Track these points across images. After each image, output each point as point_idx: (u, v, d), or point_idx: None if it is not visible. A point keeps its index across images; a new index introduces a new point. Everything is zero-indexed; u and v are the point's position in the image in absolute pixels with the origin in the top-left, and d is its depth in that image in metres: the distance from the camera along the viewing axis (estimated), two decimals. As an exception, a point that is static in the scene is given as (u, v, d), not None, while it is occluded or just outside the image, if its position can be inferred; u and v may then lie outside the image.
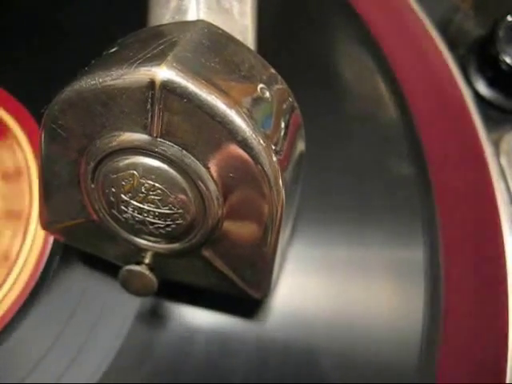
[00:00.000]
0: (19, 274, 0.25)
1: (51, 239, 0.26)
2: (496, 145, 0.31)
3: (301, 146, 0.21)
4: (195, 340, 0.25)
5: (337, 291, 0.27)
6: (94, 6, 0.33)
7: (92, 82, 0.17)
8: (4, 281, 0.25)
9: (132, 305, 0.25)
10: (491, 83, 0.33)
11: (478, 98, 0.32)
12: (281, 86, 0.20)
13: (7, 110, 0.29)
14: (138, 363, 0.24)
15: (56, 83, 0.18)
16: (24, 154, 0.28)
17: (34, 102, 0.29)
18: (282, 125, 0.19)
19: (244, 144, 0.17)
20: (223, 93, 0.17)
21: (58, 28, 0.32)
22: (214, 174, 0.18)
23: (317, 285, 0.27)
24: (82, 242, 0.23)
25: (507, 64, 0.31)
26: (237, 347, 0.25)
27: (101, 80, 0.17)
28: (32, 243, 0.26)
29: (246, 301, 0.23)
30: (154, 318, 0.25)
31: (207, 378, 0.24)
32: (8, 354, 0.24)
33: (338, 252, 0.27)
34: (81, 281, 0.26)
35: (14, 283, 0.25)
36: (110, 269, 0.25)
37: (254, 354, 0.25)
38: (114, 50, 0.19)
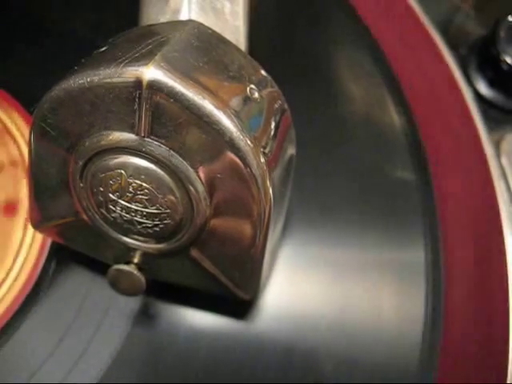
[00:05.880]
0: (17, 274, 0.25)
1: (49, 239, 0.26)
2: (497, 145, 0.30)
3: (290, 147, 0.21)
4: (193, 341, 0.25)
5: (336, 292, 0.27)
6: (93, 6, 0.33)
7: (80, 81, 0.17)
8: (3, 281, 0.25)
9: (130, 306, 0.25)
10: (492, 83, 0.32)
11: (479, 98, 0.32)
12: (271, 87, 0.20)
13: (4, 108, 0.29)
14: (137, 364, 0.25)
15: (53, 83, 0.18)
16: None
17: (31, 100, 0.29)
18: (272, 126, 0.19)
19: (231, 144, 0.17)
20: (211, 93, 0.17)
21: (57, 27, 0.33)
22: (202, 175, 0.18)
23: (315, 285, 0.27)
24: (73, 241, 0.23)
25: (508, 64, 0.31)
26: (232, 347, 0.25)
27: (89, 79, 0.17)
28: (31, 242, 0.26)
29: (240, 301, 0.23)
30: (152, 319, 0.25)
31: (206, 377, 0.24)
32: (7, 356, 0.24)
33: (337, 253, 0.27)
34: (79, 282, 0.26)
35: (13, 284, 0.25)
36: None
37: (249, 354, 0.25)
38: (103, 49, 0.19)
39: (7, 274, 0.25)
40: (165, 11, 0.21)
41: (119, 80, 0.17)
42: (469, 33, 0.34)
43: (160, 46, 0.17)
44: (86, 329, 0.25)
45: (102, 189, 0.19)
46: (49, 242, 0.26)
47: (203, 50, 0.18)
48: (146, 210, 0.19)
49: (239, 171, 0.18)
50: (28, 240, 0.26)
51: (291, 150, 0.21)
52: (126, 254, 0.21)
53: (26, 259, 0.26)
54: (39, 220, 0.22)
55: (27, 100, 0.29)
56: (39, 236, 0.26)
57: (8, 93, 0.30)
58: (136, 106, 0.17)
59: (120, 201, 0.19)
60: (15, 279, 0.25)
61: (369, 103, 0.33)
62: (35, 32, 0.32)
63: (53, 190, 0.20)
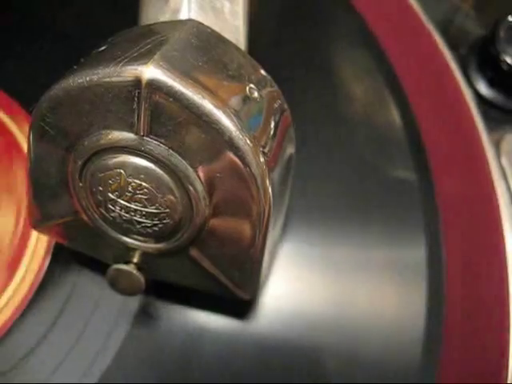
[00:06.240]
0: (22, 278, 0.25)
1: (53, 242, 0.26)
2: (497, 145, 0.30)
3: (290, 147, 0.21)
4: (193, 341, 0.25)
5: (336, 291, 0.27)
6: (93, 6, 0.33)
7: (79, 81, 0.17)
8: (6, 285, 0.25)
9: (130, 306, 0.25)
10: (492, 83, 0.32)
11: (479, 98, 0.32)
12: (270, 87, 0.20)
13: (5, 109, 0.29)
14: (136, 364, 0.25)
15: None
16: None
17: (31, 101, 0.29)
18: (271, 125, 0.19)
19: (230, 144, 0.17)
20: (210, 92, 0.17)
21: (57, 28, 0.33)
22: (201, 174, 0.18)
23: (315, 284, 0.27)
24: (72, 241, 0.23)
25: (508, 64, 0.31)
26: (232, 347, 0.25)
27: (88, 78, 0.17)
28: (35, 247, 0.26)
29: (240, 301, 0.23)
30: (152, 318, 0.25)
31: (206, 378, 0.24)
32: (10, 356, 0.24)
33: (338, 252, 0.27)
34: (80, 283, 0.26)
35: (17, 287, 0.25)
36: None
37: (249, 354, 0.25)
38: (103, 48, 0.19)
39: (12, 278, 0.25)
40: (164, 11, 0.21)
41: (118, 79, 0.17)
42: (469, 33, 0.34)
43: (159, 45, 0.17)
44: (87, 330, 0.25)
45: (101, 188, 0.19)
46: (52, 243, 0.26)
47: (202, 49, 0.18)
48: (146, 209, 0.19)
49: (238, 171, 0.17)
50: (33, 242, 0.26)
51: (291, 150, 0.21)
52: (125, 253, 0.21)
53: (30, 261, 0.26)
54: (38, 219, 0.22)
55: (27, 100, 0.29)
56: (44, 238, 0.26)
57: (8, 92, 0.30)
58: (135, 105, 0.17)
59: (119, 200, 0.19)
60: (21, 281, 0.25)
61: (369, 102, 0.33)
62: (35, 32, 0.32)
63: (52, 190, 0.20)
